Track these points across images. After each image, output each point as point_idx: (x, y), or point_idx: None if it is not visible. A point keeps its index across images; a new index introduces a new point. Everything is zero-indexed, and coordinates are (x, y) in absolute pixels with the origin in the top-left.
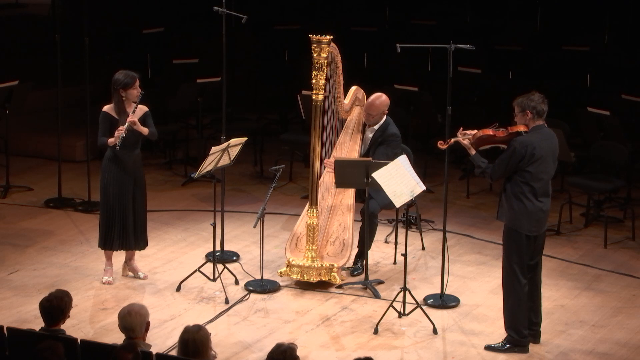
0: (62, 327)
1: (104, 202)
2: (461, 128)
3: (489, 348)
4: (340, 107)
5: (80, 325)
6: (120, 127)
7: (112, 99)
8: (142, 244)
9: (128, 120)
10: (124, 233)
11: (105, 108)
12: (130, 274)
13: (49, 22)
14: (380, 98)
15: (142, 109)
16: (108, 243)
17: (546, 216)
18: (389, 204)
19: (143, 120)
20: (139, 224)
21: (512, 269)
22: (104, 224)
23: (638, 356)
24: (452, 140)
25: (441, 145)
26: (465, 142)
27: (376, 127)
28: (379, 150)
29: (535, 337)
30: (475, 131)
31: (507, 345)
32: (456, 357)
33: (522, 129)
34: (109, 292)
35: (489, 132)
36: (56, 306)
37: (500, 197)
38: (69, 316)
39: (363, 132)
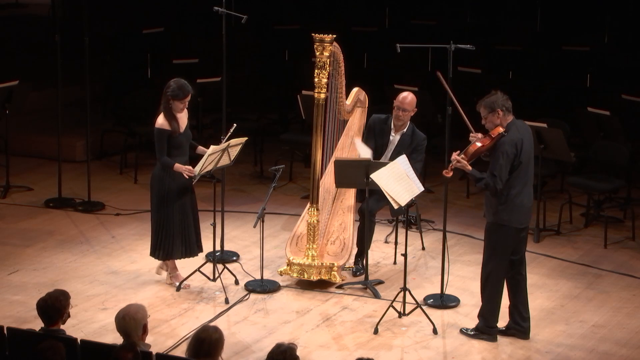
0: (63, 327)
1: (164, 212)
2: (454, 153)
3: (462, 331)
4: (342, 108)
5: (80, 325)
6: (190, 172)
7: (160, 104)
8: (200, 248)
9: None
10: (188, 241)
11: (158, 124)
12: (161, 276)
13: (49, 22)
14: (411, 94)
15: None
16: (176, 253)
17: (532, 207)
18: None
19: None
20: (197, 229)
21: (493, 263)
22: (165, 234)
23: (638, 356)
24: (452, 166)
25: (447, 173)
26: (463, 162)
27: (405, 129)
28: (414, 157)
29: (525, 334)
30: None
31: (474, 332)
32: (456, 357)
33: (501, 129)
34: (109, 292)
35: (477, 145)
36: (52, 305)
37: (486, 195)
38: (69, 316)
39: (363, 135)
